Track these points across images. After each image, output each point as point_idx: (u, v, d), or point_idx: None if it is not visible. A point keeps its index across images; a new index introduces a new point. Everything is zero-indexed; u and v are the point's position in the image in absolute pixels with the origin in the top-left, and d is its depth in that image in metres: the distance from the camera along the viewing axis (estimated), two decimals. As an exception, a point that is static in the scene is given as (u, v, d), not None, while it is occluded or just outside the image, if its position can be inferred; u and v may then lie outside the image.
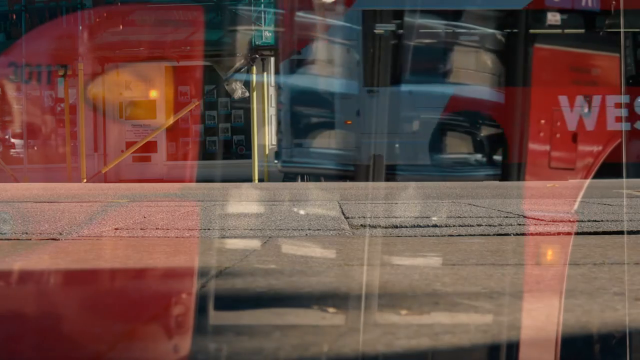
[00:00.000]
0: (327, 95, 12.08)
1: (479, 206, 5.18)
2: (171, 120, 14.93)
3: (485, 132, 12.30)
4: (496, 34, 12.29)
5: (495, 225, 3.98)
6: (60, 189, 8.55)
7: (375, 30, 12.03)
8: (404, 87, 11.96)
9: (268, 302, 2.02)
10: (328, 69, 12.24)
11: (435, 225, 4.00)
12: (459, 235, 3.63)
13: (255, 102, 14.58)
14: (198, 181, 12.42)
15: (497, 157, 12.17)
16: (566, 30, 12.21)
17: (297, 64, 12.30)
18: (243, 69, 14.46)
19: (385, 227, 3.96)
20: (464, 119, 12.24)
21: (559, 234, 3.71)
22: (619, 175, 10.34)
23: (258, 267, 2.60)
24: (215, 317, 1.90)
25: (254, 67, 14.46)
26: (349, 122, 11.98)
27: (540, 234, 3.72)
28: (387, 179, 11.46)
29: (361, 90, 11.94)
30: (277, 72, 13.54)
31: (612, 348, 1.63)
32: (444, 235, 3.63)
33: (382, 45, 11.96)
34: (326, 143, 12.21)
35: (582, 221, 4.11)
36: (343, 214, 4.73)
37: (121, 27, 14.35)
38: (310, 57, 12.29)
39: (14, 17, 14.81)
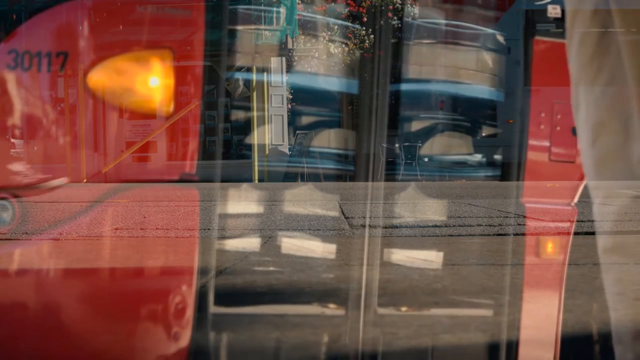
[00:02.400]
0: None
1: (479, 206, 5.18)
2: (171, 120, 14.92)
3: None
4: None
5: (495, 225, 3.98)
6: (60, 189, 8.55)
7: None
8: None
9: (268, 302, 2.02)
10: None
11: (435, 225, 4.00)
12: (459, 235, 3.63)
13: (255, 102, 14.57)
14: (198, 181, 12.41)
15: None
16: None
17: None
18: (243, 69, 14.46)
19: (385, 227, 3.96)
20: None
21: (558, 234, 3.71)
22: None
23: (258, 267, 2.60)
24: (216, 316, 1.90)
25: (254, 67, 14.45)
26: None
27: (540, 233, 3.72)
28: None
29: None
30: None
31: (612, 348, 1.63)
32: (444, 235, 3.63)
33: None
34: None
35: (582, 221, 4.10)
36: (343, 214, 4.72)
37: (121, 26, 14.35)
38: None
39: (14, 17, 14.79)
